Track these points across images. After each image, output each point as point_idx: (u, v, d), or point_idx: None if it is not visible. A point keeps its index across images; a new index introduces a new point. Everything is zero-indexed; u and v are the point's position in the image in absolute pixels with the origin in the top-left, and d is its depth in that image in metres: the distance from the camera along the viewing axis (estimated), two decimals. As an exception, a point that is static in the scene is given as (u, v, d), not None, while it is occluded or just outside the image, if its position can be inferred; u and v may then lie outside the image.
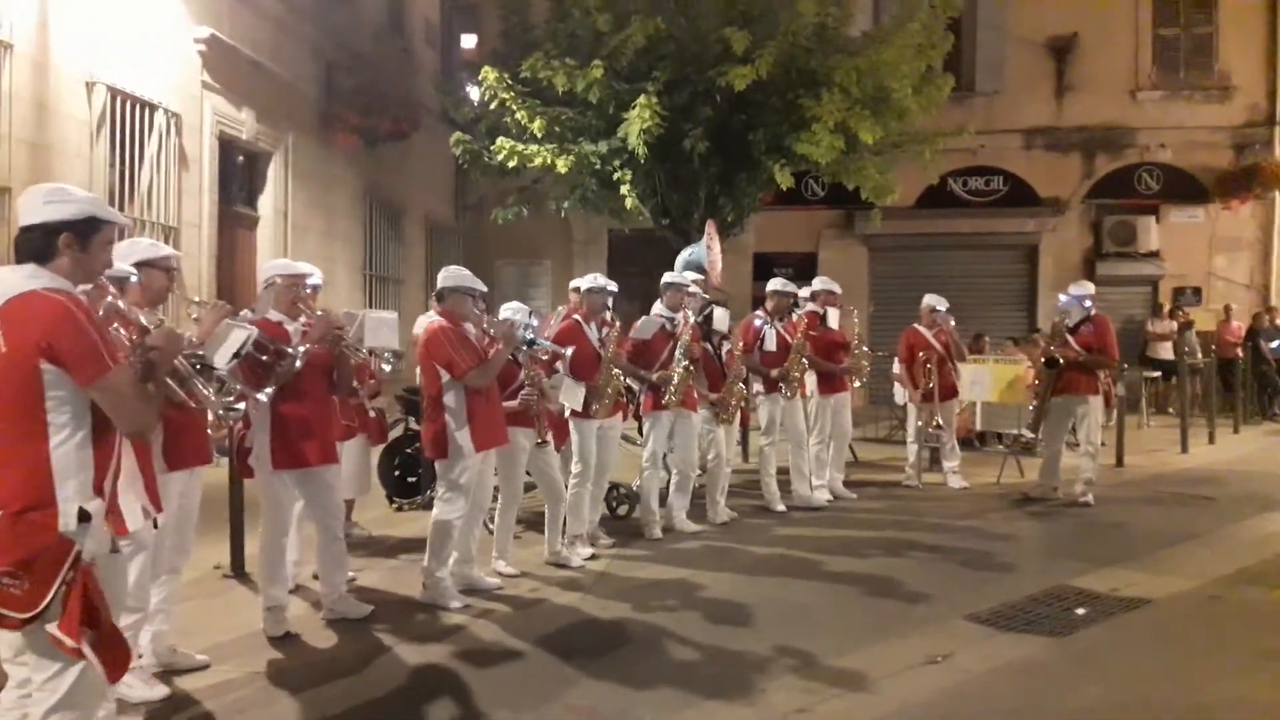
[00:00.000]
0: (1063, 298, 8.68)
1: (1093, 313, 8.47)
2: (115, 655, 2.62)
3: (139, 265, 4.02)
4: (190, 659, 4.41)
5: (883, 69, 10.48)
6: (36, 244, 2.65)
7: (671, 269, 8.04)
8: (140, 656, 4.10)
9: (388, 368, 5.53)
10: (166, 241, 8.71)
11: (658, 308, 7.26)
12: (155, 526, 3.85)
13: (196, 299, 4.63)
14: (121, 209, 8.72)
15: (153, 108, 9.19)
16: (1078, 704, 4.10)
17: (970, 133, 12.49)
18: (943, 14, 11.28)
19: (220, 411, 3.55)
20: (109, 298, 3.22)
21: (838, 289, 8.82)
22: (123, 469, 3.56)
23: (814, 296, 8.73)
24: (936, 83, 11.46)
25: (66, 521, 2.54)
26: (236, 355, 3.72)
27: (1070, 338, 8.35)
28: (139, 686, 3.98)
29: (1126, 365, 11.77)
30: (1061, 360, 8.27)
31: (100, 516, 2.62)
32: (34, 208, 2.67)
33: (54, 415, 2.57)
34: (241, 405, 3.62)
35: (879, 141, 10.75)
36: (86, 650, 2.52)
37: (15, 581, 2.48)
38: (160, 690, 4.07)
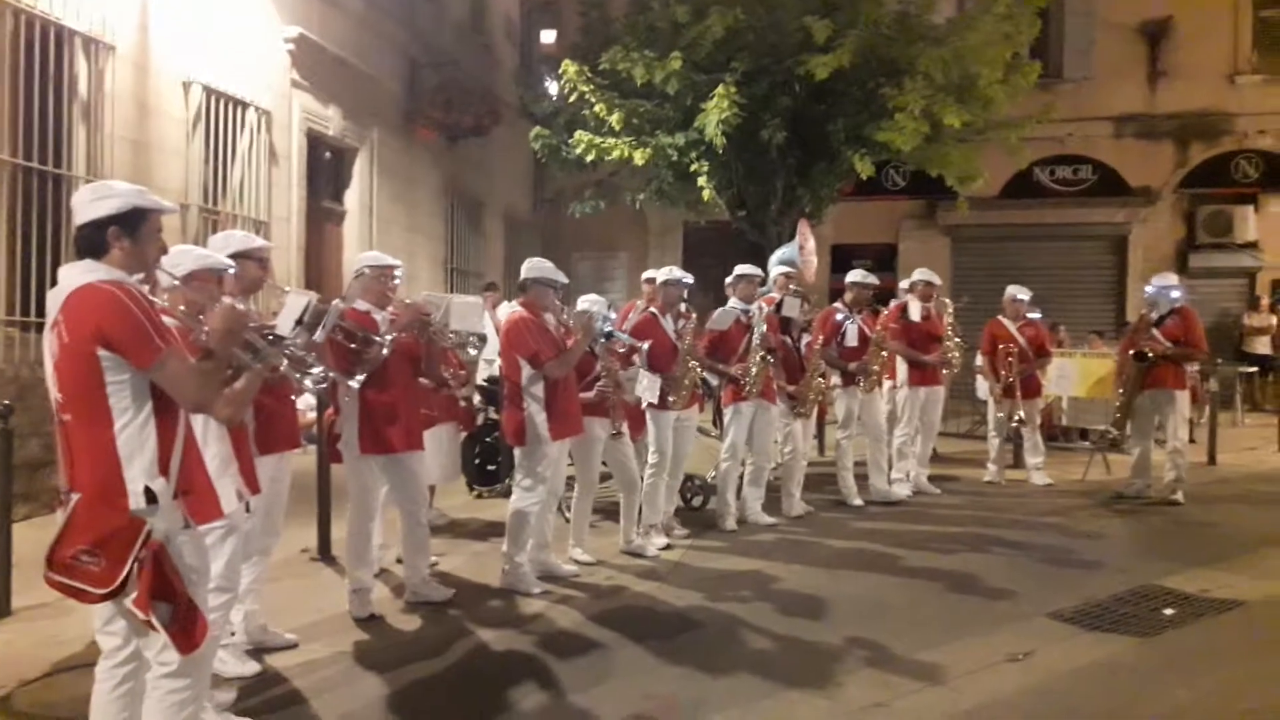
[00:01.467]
0: (1148, 290, 8.43)
1: (1179, 304, 8.21)
2: (190, 629, 2.71)
3: (233, 256, 4.16)
4: (280, 638, 4.57)
5: (968, 56, 10.28)
6: (90, 240, 2.76)
7: (746, 261, 8.01)
8: (234, 634, 4.28)
9: (474, 352, 5.65)
10: (257, 235, 8.96)
11: (733, 300, 7.26)
12: (248, 510, 4.03)
13: (286, 288, 4.76)
14: (215, 204, 9.05)
15: (245, 106, 9.48)
16: (1164, 707, 3.99)
17: (1054, 119, 12.15)
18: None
19: (297, 376, 3.65)
20: (174, 284, 3.32)
21: (937, 280, 8.72)
22: (217, 454, 3.73)
23: (912, 288, 8.67)
24: (1023, 69, 11.18)
25: (136, 502, 2.66)
26: (299, 321, 3.78)
27: (1156, 330, 8.12)
28: (232, 662, 4.16)
29: (1221, 360, 11.35)
30: (1150, 354, 8.04)
31: (167, 496, 2.71)
32: (84, 206, 2.79)
33: (115, 400, 2.67)
34: (317, 369, 3.68)
35: (965, 126, 10.54)
36: (156, 623, 2.63)
37: (93, 560, 2.62)
38: (252, 666, 4.23)
